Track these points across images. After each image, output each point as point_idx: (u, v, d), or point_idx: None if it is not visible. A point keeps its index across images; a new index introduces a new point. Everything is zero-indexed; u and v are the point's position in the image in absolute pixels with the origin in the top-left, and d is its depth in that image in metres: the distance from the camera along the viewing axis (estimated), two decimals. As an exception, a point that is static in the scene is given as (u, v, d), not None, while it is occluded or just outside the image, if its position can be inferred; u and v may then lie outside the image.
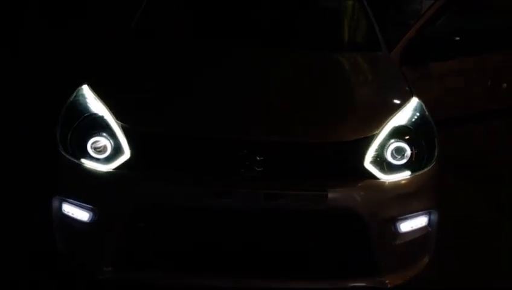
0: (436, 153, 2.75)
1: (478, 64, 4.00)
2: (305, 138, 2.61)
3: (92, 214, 2.60)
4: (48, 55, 6.83)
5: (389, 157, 2.63)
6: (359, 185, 2.56)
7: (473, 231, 3.60)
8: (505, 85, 4.17)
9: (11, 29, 7.23)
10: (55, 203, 2.69)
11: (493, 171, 4.53)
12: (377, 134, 2.63)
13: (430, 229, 2.73)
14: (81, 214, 2.62)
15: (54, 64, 6.53)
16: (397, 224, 2.62)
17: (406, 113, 2.77)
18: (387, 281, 2.66)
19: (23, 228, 3.49)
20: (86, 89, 2.82)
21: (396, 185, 2.62)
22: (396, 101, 2.87)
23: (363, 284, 2.69)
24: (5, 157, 4.52)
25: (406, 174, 2.64)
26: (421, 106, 2.85)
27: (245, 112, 2.70)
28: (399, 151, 2.63)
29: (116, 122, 2.61)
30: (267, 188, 2.51)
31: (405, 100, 2.85)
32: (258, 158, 2.52)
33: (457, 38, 3.68)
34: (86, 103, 2.74)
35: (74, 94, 2.84)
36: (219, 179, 2.53)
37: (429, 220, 2.72)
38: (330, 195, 2.51)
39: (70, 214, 2.66)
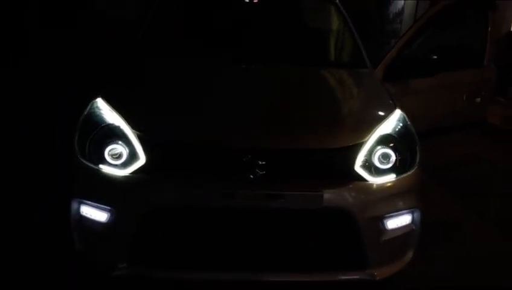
0: (418, 159, 3.05)
1: (453, 81, 4.36)
2: (303, 144, 2.91)
3: (109, 214, 2.87)
4: (49, 57, 6.96)
5: (376, 162, 2.95)
6: (350, 186, 2.86)
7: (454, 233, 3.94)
8: (478, 100, 4.53)
9: (12, 31, 7.30)
10: (74, 205, 2.95)
11: (469, 178, 4.89)
12: (366, 141, 2.95)
13: (413, 226, 3.02)
14: (99, 215, 2.89)
15: (56, 65, 6.66)
16: (384, 221, 2.91)
17: (391, 123, 3.09)
18: (375, 274, 2.95)
19: (23, 228, 3.68)
20: (100, 102, 3.11)
21: (383, 187, 2.93)
22: (382, 113, 3.19)
23: (354, 276, 2.97)
24: (5, 157, 4.68)
25: (391, 177, 2.95)
26: (404, 117, 3.17)
27: (249, 121, 3.00)
28: (385, 156, 2.95)
29: (132, 131, 2.90)
30: (268, 189, 2.80)
31: (389, 112, 3.17)
32: (260, 163, 2.81)
33: (435, 57, 4.00)
34: (102, 114, 3.04)
35: (89, 107, 3.13)
36: (226, 182, 2.81)
37: (413, 218, 3.02)
38: (325, 195, 2.81)
39: (88, 215, 2.92)
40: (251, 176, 2.81)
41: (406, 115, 3.22)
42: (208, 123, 3.00)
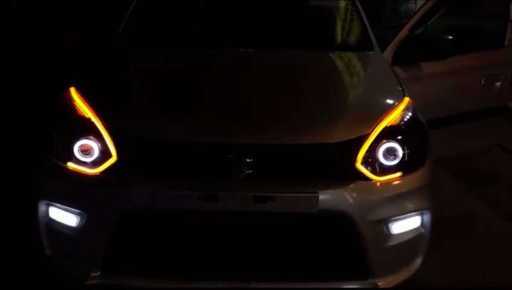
0: (428, 153, 2.81)
1: (470, 63, 4.06)
2: (296, 139, 2.66)
3: (79, 218, 2.64)
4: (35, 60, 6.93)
5: (380, 157, 2.69)
6: (350, 186, 2.62)
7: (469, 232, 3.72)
8: (498, 84, 4.24)
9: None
10: (41, 207, 2.73)
11: (485, 171, 4.62)
12: (369, 134, 2.69)
13: (423, 230, 2.78)
14: (69, 219, 2.66)
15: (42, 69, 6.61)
16: (389, 225, 2.68)
17: (398, 113, 2.83)
18: (380, 283, 2.71)
19: (23, 229, 3.50)
20: (72, 91, 2.86)
21: (388, 186, 2.69)
22: (389, 101, 2.94)
23: (356, 286, 2.74)
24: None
25: (398, 175, 2.70)
26: (413, 105, 2.91)
27: (233, 115, 2.76)
28: (391, 151, 2.70)
29: (104, 124, 2.65)
30: (256, 190, 2.56)
31: (397, 100, 2.92)
32: (247, 160, 2.58)
33: (450, 38, 3.74)
34: (72, 104, 2.78)
35: (60, 96, 2.88)
36: (208, 182, 2.57)
37: (422, 221, 2.78)
38: (321, 197, 2.56)
39: (57, 219, 2.70)
40: (237, 176, 2.57)
41: (418, 102, 2.97)
42: (189, 117, 2.74)
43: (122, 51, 3.57)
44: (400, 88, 3.07)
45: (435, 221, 2.85)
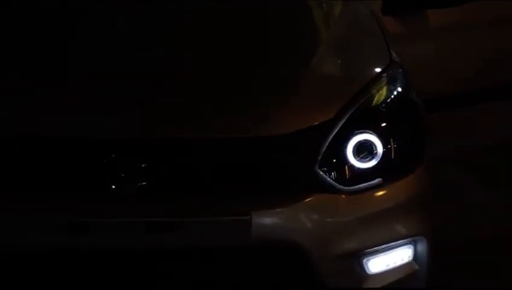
0: (425, 149, 2.10)
1: (495, 13, 3.19)
2: (214, 131, 1.93)
3: None
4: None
5: (350, 157, 1.97)
6: (304, 202, 1.91)
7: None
8: None
9: None
10: None
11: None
12: (333, 121, 1.96)
13: (417, 267, 2.09)
14: None
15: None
16: (365, 261, 2.00)
17: (379, 88, 2.11)
18: None
19: None
20: None
21: (362, 201, 2.00)
22: (366, 70, 2.23)
23: None
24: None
25: (377, 183, 2.00)
26: (404, 76, 2.19)
27: (120, 95, 2.00)
28: (366, 147, 1.98)
29: None
30: (151, 213, 1.84)
31: (379, 67, 2.19)
32: (140, 166, 1.85)
33: None
34: None
35: None
36: (74, 204, 1.83)
37: (415, 252, 2.08)
38: (256, 221, 1.85)
39: None
40: (122, 191, 1.84)
41: (421, 71, 2.35)
42: (44, 102, 1.96)
43: None
44: (385, 49, 2.32)
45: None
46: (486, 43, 3.18)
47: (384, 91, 2.13)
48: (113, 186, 1.85)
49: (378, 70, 2.20)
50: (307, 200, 1.92)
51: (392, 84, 2.16)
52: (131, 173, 1.86)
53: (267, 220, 1.88)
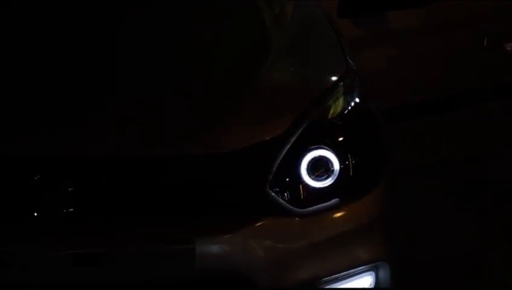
0: (386, 164, 1.96)
1: (464, 13, 3.04)
2: (154, 148, 1.77)
3: None
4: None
5: (305, 175, 1.81)
6: (255, 227, 1.76)
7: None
8: (509, 47, 3.30)
9: None
10: None
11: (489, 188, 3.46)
12: (284, 135, 1.81)
13: None
14: None
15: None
16: None
17: (335, 99, 1.97)
18: None
19: None
20: None
21: (318, 224, 1.84)
22: (321, 79, 2.08)
23: None
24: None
25: (334, 204, 1.83)
26: (361, 85, 2.05)
27: (56, 111, 1.82)
28: (321, 164, 1.83)
29: None
30: (79, 244, 1.66)
31: (334, 76, 2.05)
32: (67, 188, 1.68)
33: None
34: None
35: None
36: None
37: (377, 279, 1.92)
38: (200, 250, 1.69)
39: None
40: (43, 217, 1.68)
41: (381, 78, 2.27)
42: None
43: None
44: (340, 55, 2.18)
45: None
46: (452, 45, 3.02)
47: (340, 102, 1.99)
48: (36, 212, 1.67)
49: (333, 79, 2.06)
50: (258, 224, 1.76)
51: (348, 95, 2.02)
52: (56, 196, 1.68)
53: (212, 248, 1.72)
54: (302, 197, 1.82)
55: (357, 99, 2.02)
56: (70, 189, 1.67)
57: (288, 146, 1.80)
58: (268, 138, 1.80)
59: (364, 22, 2.73)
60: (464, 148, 3.05)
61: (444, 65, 3.00)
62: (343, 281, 1.87)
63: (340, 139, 1.90)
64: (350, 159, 1.86)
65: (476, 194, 3.28)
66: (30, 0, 2.38)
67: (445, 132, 2.94)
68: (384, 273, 1.93)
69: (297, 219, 1.80)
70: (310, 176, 1.82)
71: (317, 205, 1.83)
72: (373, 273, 1.93)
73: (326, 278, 1.84)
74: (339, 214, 1.85)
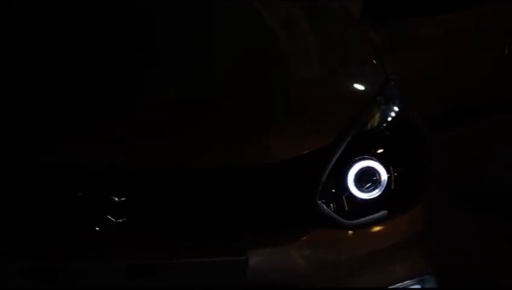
0: (433, 174, 1.96)
1: (487, 21, 3.00)
2: (204, 160, 1.74)
3: None
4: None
5: (352, 187, 1.79)
6: (306, 238, 1.75)
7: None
8: None
9: None
10: None
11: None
12: (333, 145, 1.79)
13: None
14: None
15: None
16: None
17: (378, 109, 1.96)
18: None
19: None
20: None
21: (366, 237, 1.83)
22: (363, 89, 2.06)
23: None
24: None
25: (382, 216, 1.82)
26: (401, 94, 2.04)
27: (94, 114, 1.79)
28: (369, 176, 1.81)
29: None
30: (133, 256, 1.64)
31: (376, 85, 2.02)
32: (116, 200, 1.65)
33: None
34: None
35: None
36: (40, 243, 1.62)
37: None
38: (253, 261, 1.68)
39: None
40: (93, 229, 1.65)
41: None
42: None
43: None
44: (378, 63, 2.17)
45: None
46: (477, 54, 2.97)
47: (383, 112, 1.97)
48: (86, 224, 1.63)
49: (375, 88, 2.03)
50: (309, 236, 1.75)
51: (391, 104, 2.00)
52: (107, 209, 1.65)
53: (262, 259, 1.71)
54: (350, 209, 1.80)
55: (400, 109, 2.00)
56: (119, 200, 1.64)
57: (337, 156, 1.77)
58: (317, 148, 1.76)
59: (386, 28, 2.69)
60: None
61: (469, 73, 2.99)
62: (390, 293, 1.84)
63: (386, 149, 1.88)
64: (397, 170, 1.83)
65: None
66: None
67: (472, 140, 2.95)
68: (430, 286, 1.92)
69: (349, 231, 1.78)
70: (357, 187, 1.79)
71: (365, 216, 1.80)
72: (419, 286, 1.91)
73: None
74: (387, 227, 1.83)
